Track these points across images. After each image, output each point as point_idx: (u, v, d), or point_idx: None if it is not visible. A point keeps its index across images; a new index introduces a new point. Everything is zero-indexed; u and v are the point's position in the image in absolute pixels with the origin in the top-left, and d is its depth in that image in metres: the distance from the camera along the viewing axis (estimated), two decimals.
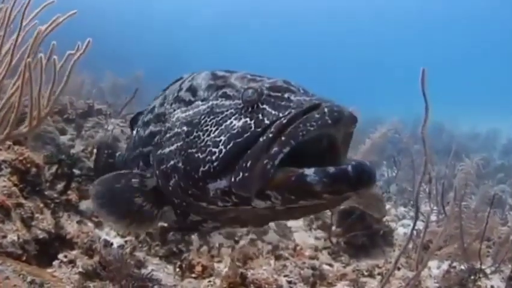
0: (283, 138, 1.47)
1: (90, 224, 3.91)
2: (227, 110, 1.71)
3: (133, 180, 2.00)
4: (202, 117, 1.77)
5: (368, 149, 5.61)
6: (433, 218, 5.87)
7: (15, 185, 3.31)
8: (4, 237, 2.92)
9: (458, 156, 6.80)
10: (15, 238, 2.96)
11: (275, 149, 1.46)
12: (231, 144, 1.59)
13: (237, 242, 4.78)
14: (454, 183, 4.87)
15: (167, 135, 1.90)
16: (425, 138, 3.11)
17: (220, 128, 1.66)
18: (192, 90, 1.94)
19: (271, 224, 5.38)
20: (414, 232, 6.16)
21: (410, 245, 5.63)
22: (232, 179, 1.56)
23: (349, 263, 4.93)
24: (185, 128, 1.81)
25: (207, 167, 1.63)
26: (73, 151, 4.94)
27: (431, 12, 49.50)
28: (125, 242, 4.01)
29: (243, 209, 1.69)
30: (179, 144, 1.79)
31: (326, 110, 1.48)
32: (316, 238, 5.59)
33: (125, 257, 3.36)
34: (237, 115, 1.66)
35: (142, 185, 2.00)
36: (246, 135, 1.57)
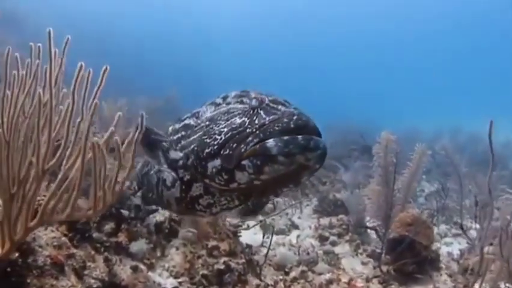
0: (257, 132, 1.92)
1: (143, 267, 3.84)
2: (237, 111, 2.15)
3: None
4: (220, 115, 2.22)
5: (414, 172, 5.48)
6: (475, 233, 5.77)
7: (64, 235, 3.23)
8: None
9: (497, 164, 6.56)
10: None
11: (249, 138, 1.92)
12: (229, 134, 2.04)
13: (287, 273, 4.78)
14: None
15: (197, 128, 2.32)
16: (491, 187, 3.07)
17: (226, 123, 2.11)
18: (224, 97, 2.36)
19: (320, 253, 5.39)
20: (458, 252, 6.13)
21: (456, 268, 5.54)
22: (222, 153, 2.03)
23: None
24: (207, 123, 2.25)
25: (209, 149, 2.09)
26: None
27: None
28: (179, 283, 3.95)
29: (233, 187, 2.08)
30: (200, 133, 2.25)
31: (294, 117, 1.89)
32: (363, 263, 5.59)
33: None
34: (241, 115, 2.10)
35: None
36: (240, 129, 2.02)
